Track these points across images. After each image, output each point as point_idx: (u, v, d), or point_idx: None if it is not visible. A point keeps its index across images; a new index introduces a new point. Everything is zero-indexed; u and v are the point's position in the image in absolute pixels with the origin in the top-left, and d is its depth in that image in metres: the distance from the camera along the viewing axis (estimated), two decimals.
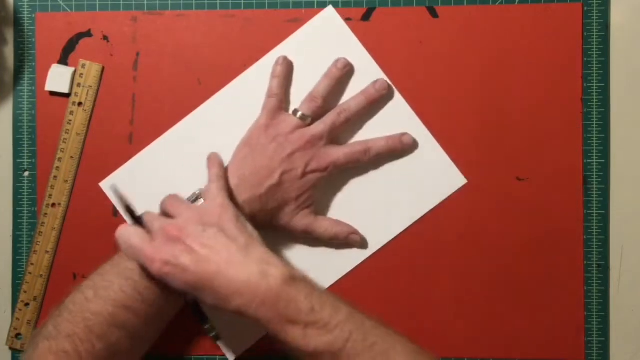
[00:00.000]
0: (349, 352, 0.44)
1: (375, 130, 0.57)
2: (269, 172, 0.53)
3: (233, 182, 0.53)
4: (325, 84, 0.56)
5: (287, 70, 0.57)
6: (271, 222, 0.54)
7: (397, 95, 0.57)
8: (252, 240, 0.48)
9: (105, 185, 0.58)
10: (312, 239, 0.56)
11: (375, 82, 0.57)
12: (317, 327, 0.45)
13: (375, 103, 0.57)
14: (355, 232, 0.57)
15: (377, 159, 0.57)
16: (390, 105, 0.57)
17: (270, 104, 0.56)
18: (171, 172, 0.58)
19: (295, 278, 0.46)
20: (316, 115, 0.56)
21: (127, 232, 0.49)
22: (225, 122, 0.57)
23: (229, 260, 0.46)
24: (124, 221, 0.58)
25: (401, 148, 0.56)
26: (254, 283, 0.45)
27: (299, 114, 0.55)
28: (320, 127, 0.55)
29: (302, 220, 0.55)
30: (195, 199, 0.53)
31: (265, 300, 0.45)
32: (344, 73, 0.57)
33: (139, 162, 0.58)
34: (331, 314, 0.45)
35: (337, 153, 0.55)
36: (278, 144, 0.54)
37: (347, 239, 0.56)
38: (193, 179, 0.55)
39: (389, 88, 0.57)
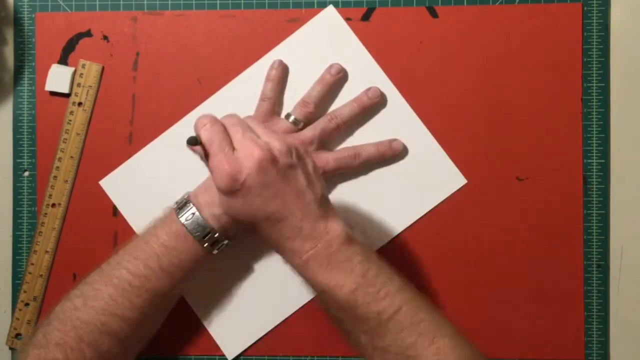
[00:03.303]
0: (394, 325, 0.45)
1: (376, 130, 0.57)
2: None
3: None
4: (318, 89, 0.56)
5: (281, 75, 0.57)
6: None
7: (398, 96, 0.57)
8: (325, 191, 0.48)
9: (105, 184, 0.58)
10: None
11: (368, 89, 0.57)
12: (367, 292, 0.45)
13: (367, 110, 0.57)
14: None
15: (367, 165, 0.57)
16: (390, 105, 0.57)
17: (262, 107, 0.56)
18: (170, 171, 0.58)
19: (353, 240, 0.46)
20: (308, 120, 0.56)
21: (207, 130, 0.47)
22: None
23: (304, 204, 0.46)
24: (124, 221, 0.58)
25: (391, 154, 0.57)
26: (317, 233, 0.45)
27: (292, 118, 0.55)
28: (310, 132, 0.55)
29: None
30: (184, 203, 0.51)
31: (320, 252, 0.45)
32: (337, 79, 0.57)
33: (139, 161, 0.58)
34: (384, 282, 0.45)
35: (327, 158, 0.55)
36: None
37: None
38: (192, 177, 0.55)
39: (382, 95, 0.57)
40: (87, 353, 0.47)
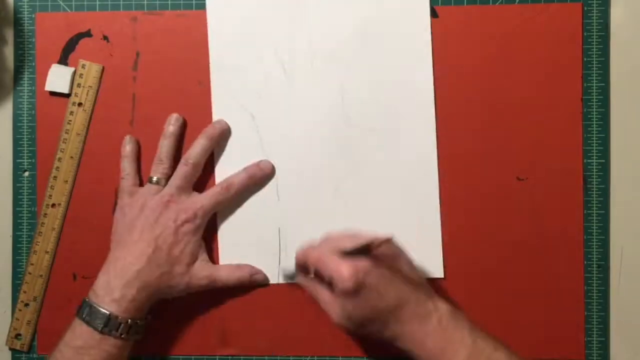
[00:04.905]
0: None
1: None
2: (145, 245, 0.53)
3: (117, 281, 0.52)
4: (165, 144, 0.56)
5: (134, 150, 0.57)
6: (174, 288, 0.54)
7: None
8: (423, 275, 0.54)
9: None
10: (219, 288, 0.56)
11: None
12: (478, 359, 0.48)
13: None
14: (258, 272, 0.57)
15: (243, 190, 0.57)
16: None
17: (123, 185, 0.56)
18: None
19: (457, 312, 0.50)
20: (168, 176, 0.56)
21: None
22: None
23: (414, 287, 0.50)
24: None
25: (261, 174, 0.57)
26: (429, 312, 0.49)
27: (153, 179, 0.55)
28: (173, 182, 0.55)
29: (201, 272, 0.55)
30: (82, 303, 0.52)
31: (436, 328, 0.49)
32: (177, 128, 0.57)
33: None
34: (491, 352, 0.48)
35: (201, 199, 0.55)
36: (144, 216, 0.54)
37: (251, 280, 0.57)
38: None
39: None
40: None
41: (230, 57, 0.58)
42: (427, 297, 0.50)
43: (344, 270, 0.48)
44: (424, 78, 0.57)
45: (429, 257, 0.57)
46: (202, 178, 0.57)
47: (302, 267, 0.54)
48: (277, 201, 0.58)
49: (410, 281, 0.50)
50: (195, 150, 0.56)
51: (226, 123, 0.57)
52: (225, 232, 0.58)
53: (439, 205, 0.57)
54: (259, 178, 0.57)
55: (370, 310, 0.49)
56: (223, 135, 0.57)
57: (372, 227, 0.56)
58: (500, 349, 0.49)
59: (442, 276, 0.57)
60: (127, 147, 0.57)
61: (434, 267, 0.57)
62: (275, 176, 0.58)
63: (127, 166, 0.57)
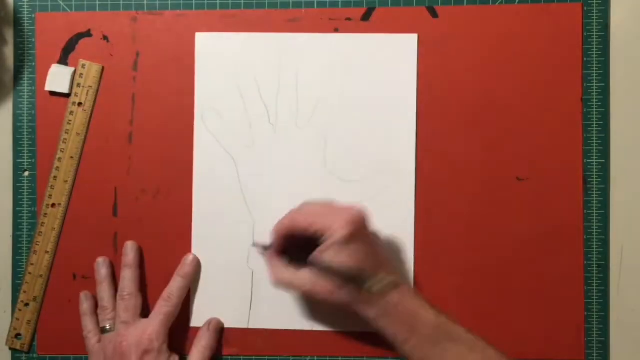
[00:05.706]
0: None
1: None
2: None
3: None
4: (101, 289, 0.57)
5: (93, 304, 0.57)
6: None
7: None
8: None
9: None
10: None
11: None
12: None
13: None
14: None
15: (184, 295, 0.57)
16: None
17: (87, 345, 0.56)
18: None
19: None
20: (114, 321, 0.56)
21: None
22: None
23: (386, 258, 0.53)
24: (124, 221, 0.58)
25: (192, 270, 0.57)
26: (398, 281, 0.51)
27: (107, 328, 0.55)
28: (118, 322, 0.55)
29: None
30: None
31: (405, 297, 0.51)
32: (109, 275, 0.57)
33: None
34: (452, 324, 0.51)
35: (149, 323, 0.55)
36: None
37: None
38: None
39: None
40: None
41: (216, 101, 0.58)
42: (394, 267, 0.54)
43: (343, 214, 0.50)
44: (407, 129, 0.57)
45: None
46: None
47: (280, 238, 0.53)
48: (252, 246, 0.58)
49: (383, 254, 0.53)
50: (125, 283, 0.56)
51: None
52: (200, 276, 0.58)
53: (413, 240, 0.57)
54: (192, 275, 0.57)
55: (362, 256, 0.50)
56: (140, 258, 0.58)
57: None
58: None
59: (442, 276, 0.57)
60: (85, 305, 0.57)
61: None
62: (252, 222, 0.58)
63: (87, 323, 0.56)
